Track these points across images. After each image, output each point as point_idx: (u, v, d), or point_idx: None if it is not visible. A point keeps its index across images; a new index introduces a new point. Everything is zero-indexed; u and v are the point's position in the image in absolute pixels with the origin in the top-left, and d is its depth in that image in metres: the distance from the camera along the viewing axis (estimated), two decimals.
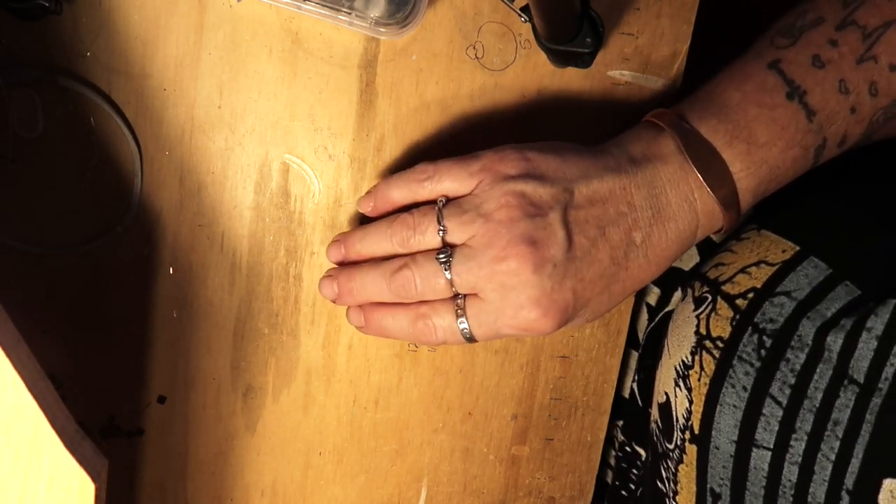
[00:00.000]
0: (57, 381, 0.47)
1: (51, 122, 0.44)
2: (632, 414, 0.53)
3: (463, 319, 0.39)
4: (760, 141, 0.37)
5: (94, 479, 0.35)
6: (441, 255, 0.39)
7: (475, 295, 0.39)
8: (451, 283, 0.39)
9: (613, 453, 0.56)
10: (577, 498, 0.54)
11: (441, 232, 0.39)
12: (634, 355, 0.54)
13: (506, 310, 0.38)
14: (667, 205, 0.38)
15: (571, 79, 0.46)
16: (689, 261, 0.51)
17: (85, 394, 0.48)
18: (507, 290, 0.38)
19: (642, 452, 0.52)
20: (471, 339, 0.40)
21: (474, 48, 0.45)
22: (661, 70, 0.46)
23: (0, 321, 0.35)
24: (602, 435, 0.53)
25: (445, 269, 0.39)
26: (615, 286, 0.39)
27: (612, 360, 0.51)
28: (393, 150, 0.47)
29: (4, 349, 0.33)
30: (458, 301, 0.39)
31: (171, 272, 0.47)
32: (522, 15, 0.44)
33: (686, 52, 0.46)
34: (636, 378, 0.52)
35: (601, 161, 0.39)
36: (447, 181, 0.40)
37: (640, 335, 0.54)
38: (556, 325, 0.38)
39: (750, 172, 0.38)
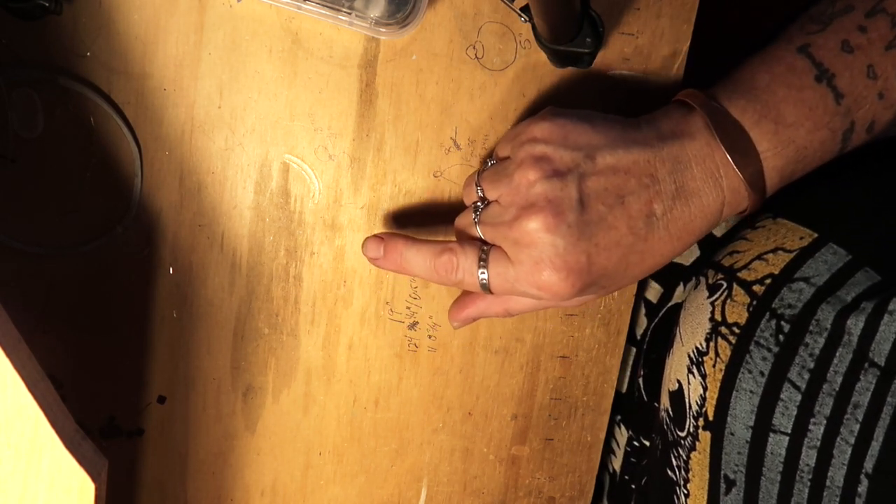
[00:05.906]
0: (57, 381, 0.47)
1: (51, 122, 0.44)
2: (632, 408, 0.53)
3: (483, 268, 0.41)
4: (788, 121, 0.38)
5: (94, 479, 0.35)
6: (475, 210, 0.42)
7: (500, 248, 0.41)
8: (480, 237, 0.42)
9: (618, 449, 0.56)
10: (577, 498, 0.54)
11: (479, 191, 0.42)
12: (630, 352, 0.54)
13: (523, 266, 0.39)
14: (691, 179, 0.39)
15: (571, 79, 0.46)
16: (690, 256, 0.51)
17: (85, 394, 0.48)
18: (523, 248, 0.39)
19: (647, 444, 0.52)
20: (486, 287, 0.41)
21: (474, 48, 0.45)
22: (661, 70, 0.46)
23: (0, 321, 0.35)
24: (602, 435, 0.53)
25: (475, 221, 0.41)
26: (633, 256, 0.39)
27: (612, 360, 0.51)
28: (393, 150, 0.47)
29: (4, 349, 0.33)
30: (484, 248, 0.41)
31: (171, 272, 0.47)
32: (522, 15, 0.44)
33: (686, 52, 0.46)
34: (641, 374, 0.52)
35: (629, 134, 0.40)
36: (498, 147, 0.43)
37: (638, 332, 0.54)
38: (572, 288, 0.39)
39: (777, 152, 0.38)
